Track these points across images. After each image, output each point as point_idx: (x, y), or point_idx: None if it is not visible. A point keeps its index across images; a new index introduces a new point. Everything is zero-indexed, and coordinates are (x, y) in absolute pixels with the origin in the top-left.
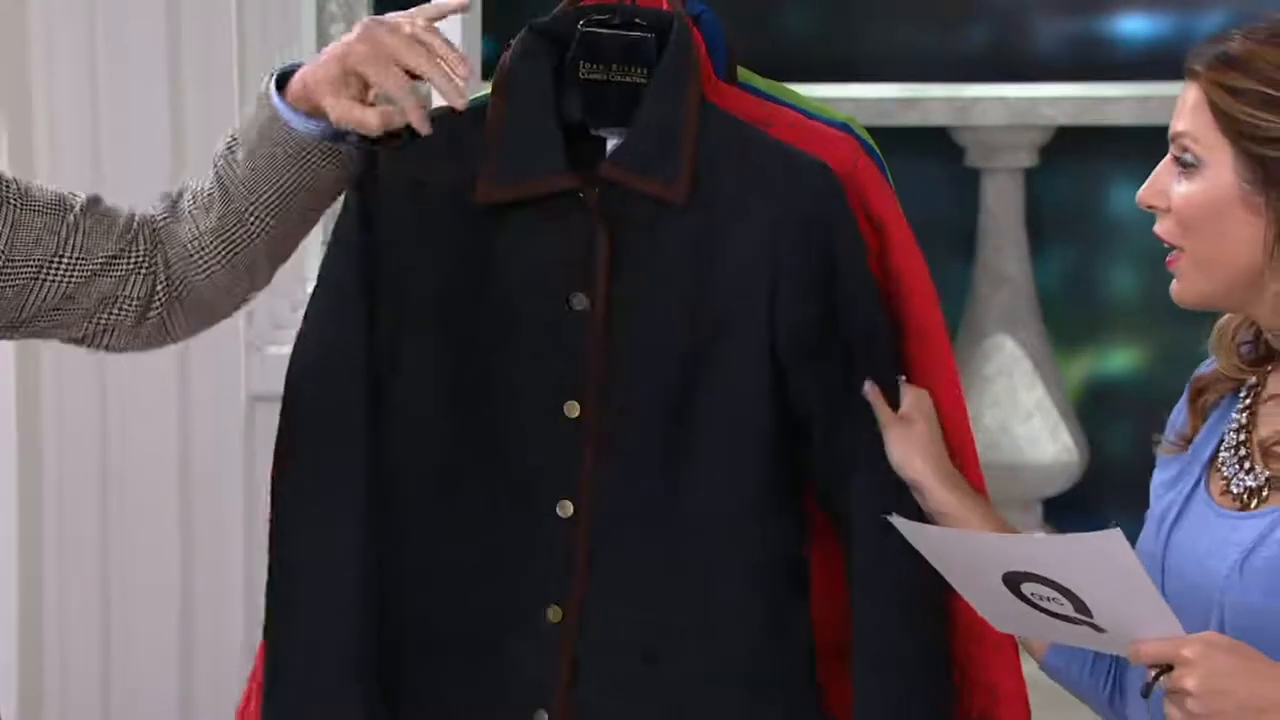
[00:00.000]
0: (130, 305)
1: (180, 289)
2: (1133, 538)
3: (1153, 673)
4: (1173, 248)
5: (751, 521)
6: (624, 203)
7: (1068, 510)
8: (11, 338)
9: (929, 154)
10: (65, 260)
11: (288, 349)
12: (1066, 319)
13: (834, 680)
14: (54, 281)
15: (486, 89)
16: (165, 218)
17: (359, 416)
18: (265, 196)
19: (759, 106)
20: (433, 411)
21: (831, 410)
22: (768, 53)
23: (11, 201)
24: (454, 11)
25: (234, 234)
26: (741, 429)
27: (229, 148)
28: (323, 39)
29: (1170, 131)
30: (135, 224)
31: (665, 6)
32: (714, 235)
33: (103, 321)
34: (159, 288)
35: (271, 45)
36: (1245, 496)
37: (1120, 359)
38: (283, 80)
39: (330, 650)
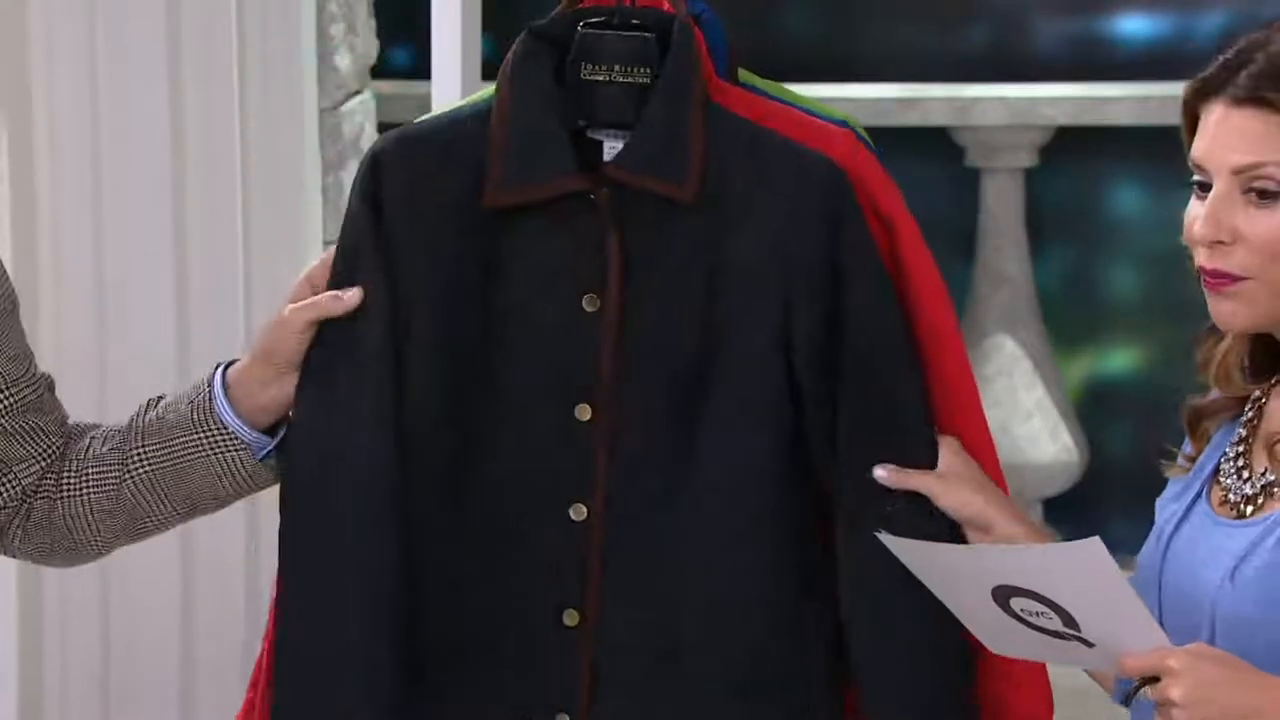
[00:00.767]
0: (11, 485)
1: (49, 498)
2: (1132, 538)
3: (1137, 683)
4: (1237, 278)
5: (766, 520)
6: (633, 204)
7: (1067, 510)
8: None
9: (929, 154)
10: (8, 394)
11: None
12: (1066, 319)
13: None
14: None
15: (487, 89)
16: (84, 429)
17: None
18: (153, 449)
19: (760, 105)
20: (443, 417)
21: (847, 408)
22: (768, 53)
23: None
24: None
25: (116, 467)
26: (755, 428)
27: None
28: (323, 39)
29: (1214, 167)
30: (65, 421)
31: (665, 7)
32: (724, 234)
33: None
34: (42, 486)
35: (271, 45)
36: (1241, 505)
37: (1120, 359)
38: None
39: (353, 662)
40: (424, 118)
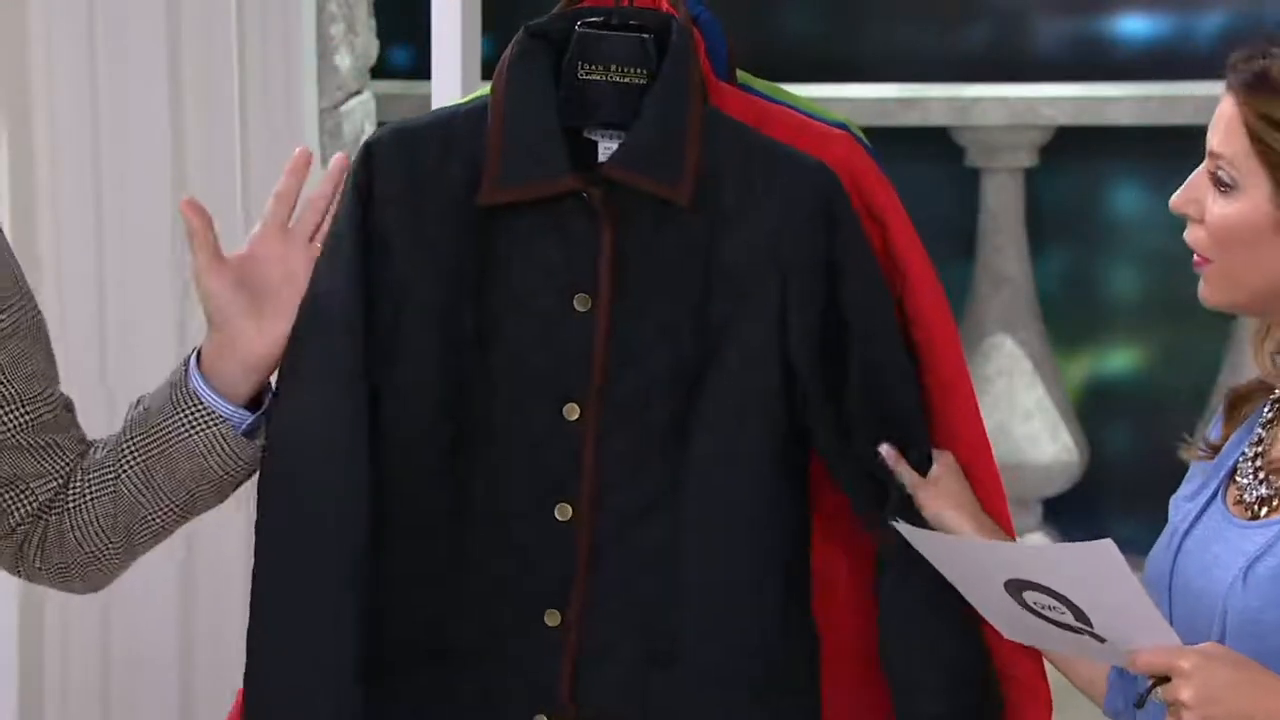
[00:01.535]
0: (28, 500)
1: (60, 512)
2: (1132, 537)
3: (1149, 683)
4: (1205, 259)
5: (754, 523)
6: (627, 204)
7: (1067, 510)
8: None
9: (929, 154)
10: (23, 411)
11: None
12: (1066, 319)
13: (837, 684)
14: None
15: (485, 89)
16: (94, 444)
17: (355, 421)
18: (139, 439)
19: (758, 107)
20: (432, 416)
21: (841, 411)
22: (767, 53)
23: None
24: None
25: (111, 468)
26: (747, 430)
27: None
28: (323, 39)
29: (1207, 144)
30: (83, 439)
31: (664, 7)
32: (718, 236)
33: None
34: (55, 501)
35: (271, 45)
36: (1256, 506)
37: (1120, 359)
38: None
39: (328, 658)
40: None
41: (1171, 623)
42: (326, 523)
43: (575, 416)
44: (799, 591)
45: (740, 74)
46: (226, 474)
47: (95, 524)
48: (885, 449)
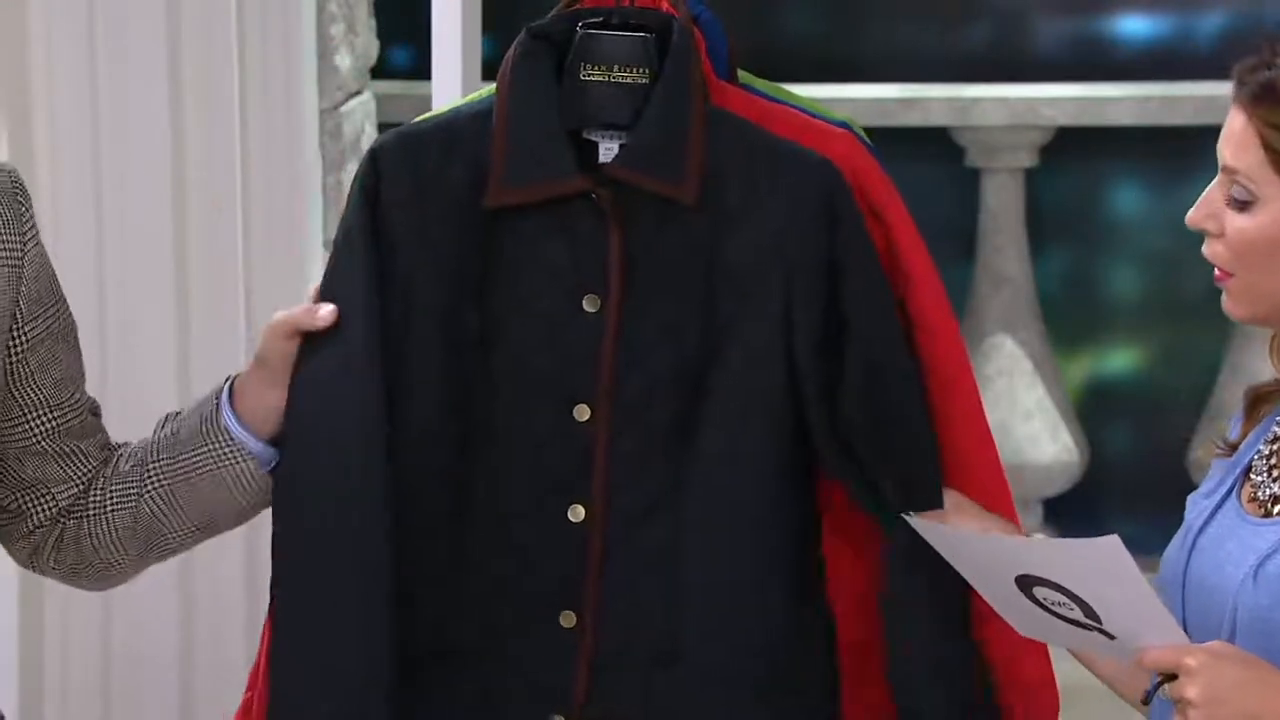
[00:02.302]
0: (48, 505)
1: (79, 518)
2: (1133, 538)
3: (1156, 680)
4: (1226, 273)
5: (758, 522)
6: (633, 204)
7: (1068, 510)
8: None
9: (929, 154)
10: (51, 417)
11: None
12: (1067, 319)
13: (851, 680)
14: (32, 430)
15: (487, 89)
16: (118, 448)
17: (371, 427)
18: (167, 464)
19: (759, 106)
20: (441, 418)
21: (840, 411)
22: (768, 53)
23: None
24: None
25: (135, 484)
26: (755, 428)
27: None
28: (323, 39)
29: (1220, 160)
30: (107, 444)
31: (664, 7)
32: (723, 235)
33: (16, 506)
34: (75, 506)
35: (271, 45)
36: (1270, 504)
37: (1120, 359)
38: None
39: (353, 665)
40: (423, 116)
41: (1185, 620)
42: (349, 525)
43: (586, 417)
44: (806, 590)
45: (741, 74)
46: (249, 505)
47: (113, 535)
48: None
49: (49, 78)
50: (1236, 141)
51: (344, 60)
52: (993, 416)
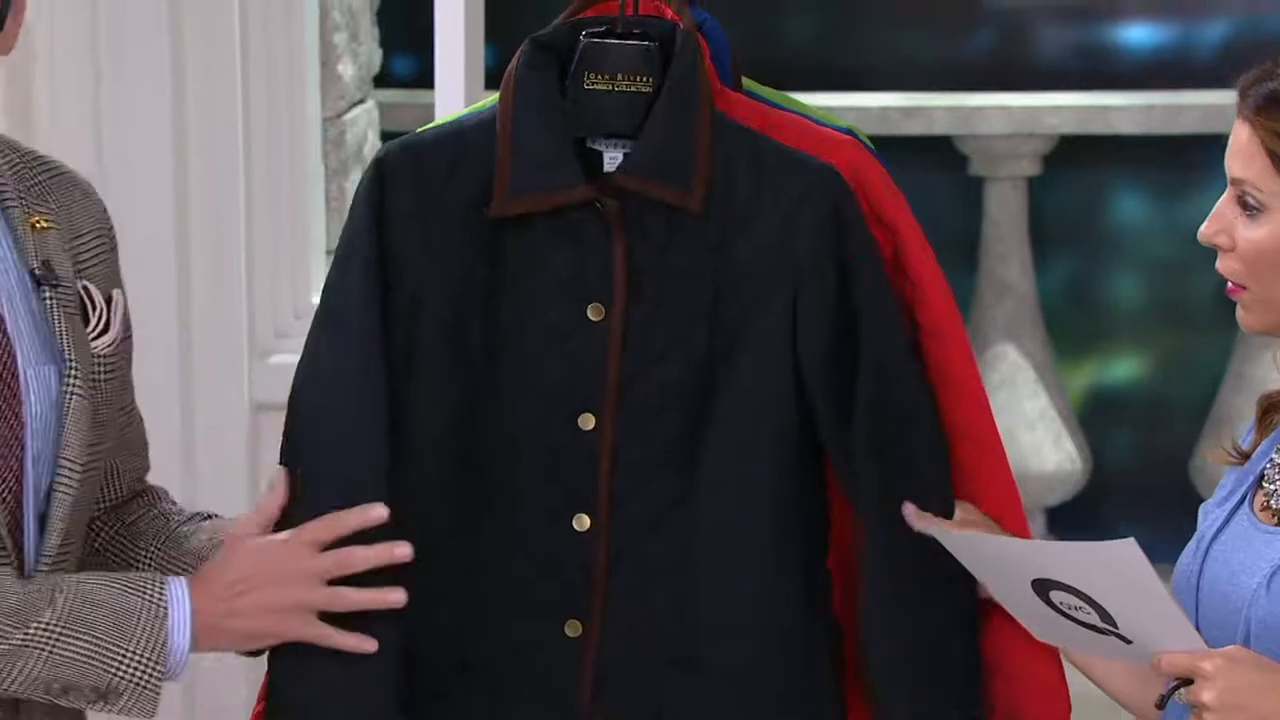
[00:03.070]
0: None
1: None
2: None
3: (1172, 684)
4: (1239, 285)
5: (771, 529)
6: (638, 213)
7: (1071, 519)
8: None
9: (932, 163)
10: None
11: (291, 358)
12: (1070, 328)
13: (857, 688)
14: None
15: (490, 98)
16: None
17: (374, 436)
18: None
19: (765, 113)
20: (447, 429)
21: (851, 414)
22: (770, 61)
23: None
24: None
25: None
26: (762, 436)
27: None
28: (326, 48)
29: (1228, 172)
30: (139, 473)
31: (668, 15)
32: (729, 243)
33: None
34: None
35: (274, 54)
36: None
37: (1123, 368)
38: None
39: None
40: (427, 126)
41: (1199, 629)
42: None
43: (591, 426)
44: (818, 595)
45: (746, 81)
46: None
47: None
48: (908, 509)
49: (51, 84)
50: (1243, 153)
51: (347, 69)
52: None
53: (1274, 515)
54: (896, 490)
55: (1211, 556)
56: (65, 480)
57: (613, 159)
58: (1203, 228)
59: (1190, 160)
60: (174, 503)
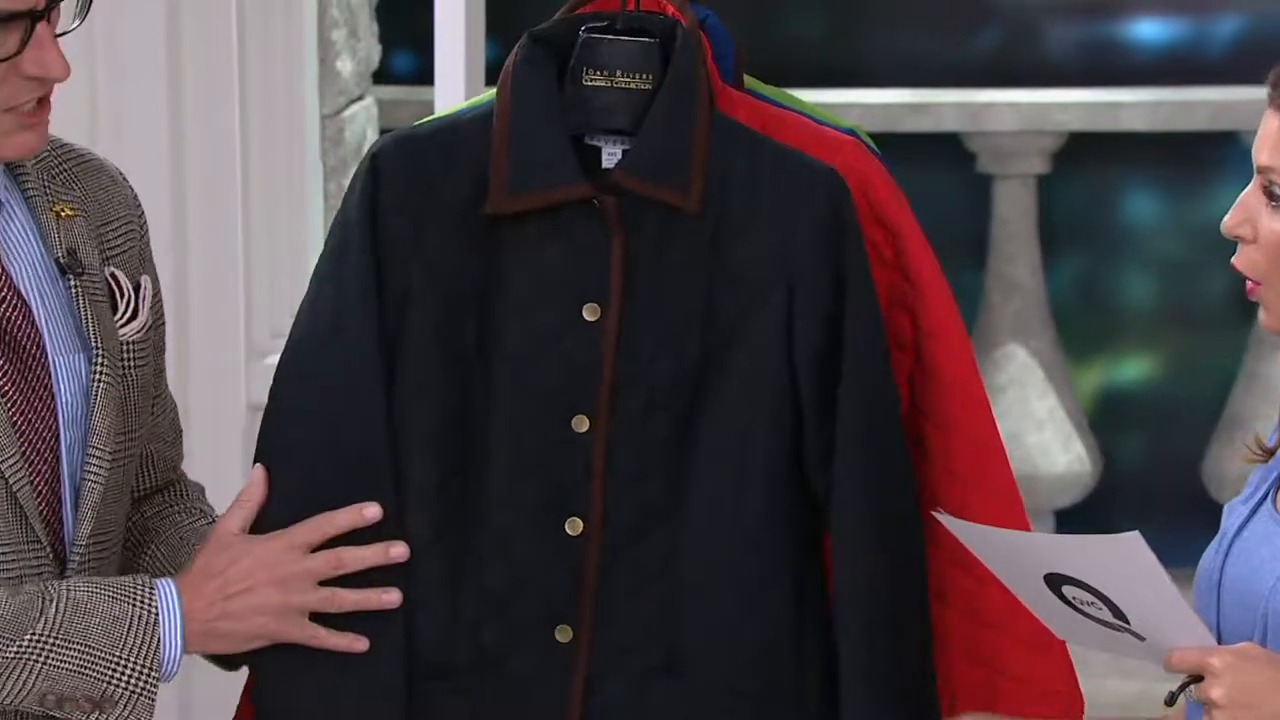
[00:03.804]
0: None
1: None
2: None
3: (1181, 681)
4: (1256, 282)
5: (764, 533)
6: (635, 211)
7: (1080, 522)
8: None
9: (940, 160)
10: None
11: None
12: (1079, 327)
13: None
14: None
15: (487, 93)
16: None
17: (373, 433)
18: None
19: (766, 112)
20: (439, 429)
21: (836, 417)
22: (776, 58)
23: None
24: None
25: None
26: (756, 438)
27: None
28: (325, 44)
29: (1255, 162)
30: (172, 463)
31: (669, 11)
32: (726, 243)
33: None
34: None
35: (273, 51)
36: None
37: (1133, 368)
38: None
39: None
40: (423, 120)
41: (1221, 626)
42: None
43: (585, 428)
44: (810, 602)
45: (748, 79)
46: None
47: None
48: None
49: None
50: (1273, 142)
51: (346, 65)
52: (1004, 426)
53: None
54: (859, 507)
55: (1233, 554)
56: (94, 468)
57: (611, 155)
58: (1226, 219)
59: (1201, 157)
60: (196, 501)
